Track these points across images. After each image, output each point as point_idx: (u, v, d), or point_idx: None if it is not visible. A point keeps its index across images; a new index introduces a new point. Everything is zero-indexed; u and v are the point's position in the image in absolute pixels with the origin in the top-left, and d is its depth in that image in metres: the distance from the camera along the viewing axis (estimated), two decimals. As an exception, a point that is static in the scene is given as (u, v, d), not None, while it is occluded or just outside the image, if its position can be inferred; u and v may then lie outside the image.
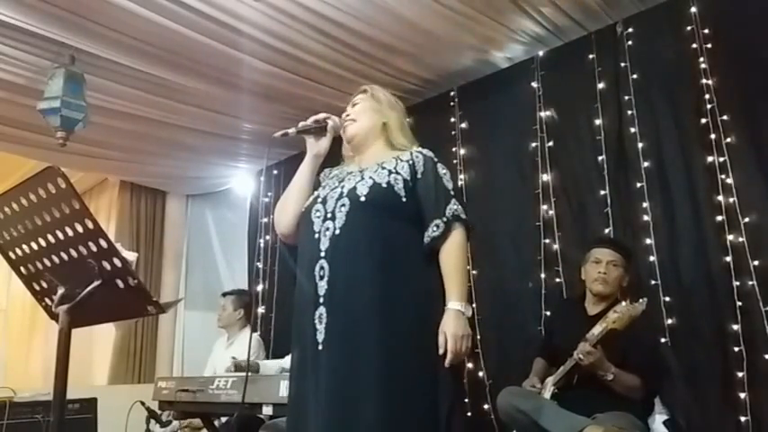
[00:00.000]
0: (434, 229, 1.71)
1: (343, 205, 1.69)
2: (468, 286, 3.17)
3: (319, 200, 1.77)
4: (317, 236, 1.70)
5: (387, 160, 1.79)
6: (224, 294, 3.99)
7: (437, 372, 1.63)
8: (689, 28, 2.72)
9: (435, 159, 1.82)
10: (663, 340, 2.61)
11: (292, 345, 1.76)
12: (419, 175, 1.77)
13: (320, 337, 1.63)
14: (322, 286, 1.65)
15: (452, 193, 1.76)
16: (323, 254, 1.67)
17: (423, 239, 1.71)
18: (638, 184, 2.80)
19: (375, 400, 1.55)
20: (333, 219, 1.69)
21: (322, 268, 1.66)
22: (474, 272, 3.37)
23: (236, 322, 3.95)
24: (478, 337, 3.29)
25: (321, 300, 1.65)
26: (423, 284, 1.69)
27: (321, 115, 1.90)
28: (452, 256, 1.71)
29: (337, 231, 1.67)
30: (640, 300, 2.32)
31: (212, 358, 4.02)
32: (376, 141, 1.89)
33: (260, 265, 4.66)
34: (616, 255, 2.59)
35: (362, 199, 1.68)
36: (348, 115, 1.91)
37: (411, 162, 1.78)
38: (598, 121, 3.00)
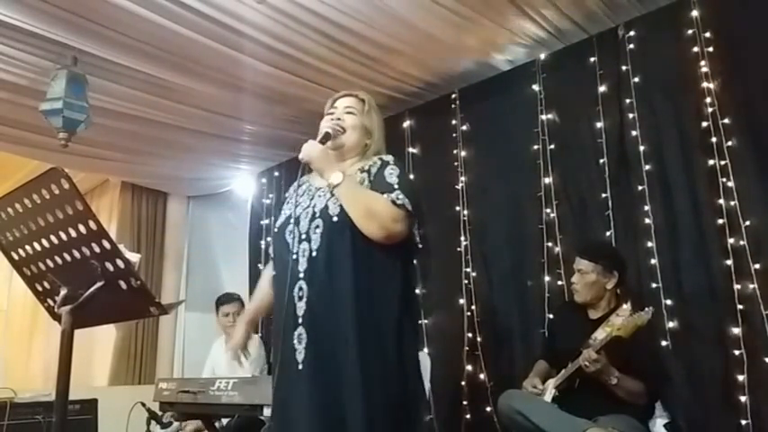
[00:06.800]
0: None
1: (318, 227, 1.72)
2: (468, 287, 3.17)
3: (292, 219, 1.79)
4: (294, 256, 1.73)
5: (352, 173, 1.80)
6: (226, 302, 3.93)
7: (415, 387, 1.70)
8: (690, 31, 2.73)
9: (388, 161, 1.81)
10: (664, 343, 2.61)
11: (272, 361, 1.79)
12: (372, 178, 1.77)
13: (299, 356, 1.66)
14: (301, 307, 1.68)
15: (396, 186, 1.72)
16: (301, 275, 1.71)
17: (396, 252, 1.71)
18: (640, 187, 2.80)
19: (362, 424, 1.56)
20: (308, 240, 1.72)
21: (301, 289, 1.69)
22: (474, 274, 3.38)
23: None
24: (479, 339, 3.29)
25: (300, 320, 1.68)
26: (396, 301, 1.70)
27: (326, 128, 1.87)
28: (373, 194, 1.70)
29: (314, 253, 1.70)
30: (646, 309, 2.31)
31: (211, 360, 4.02)
32: (353, 157, 1.89)
33: (261, 266, 4.67)
34: (583, 262, 2.60)
35: (335, 219, 1.70)
36: (339, 119, 1.90)
37: (368, 170, 1.80)
38: (599, 124, 3.01)
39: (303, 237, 1.73)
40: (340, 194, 1.70)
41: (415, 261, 1.78)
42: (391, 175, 1.75)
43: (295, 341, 1.67)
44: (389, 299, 1.69)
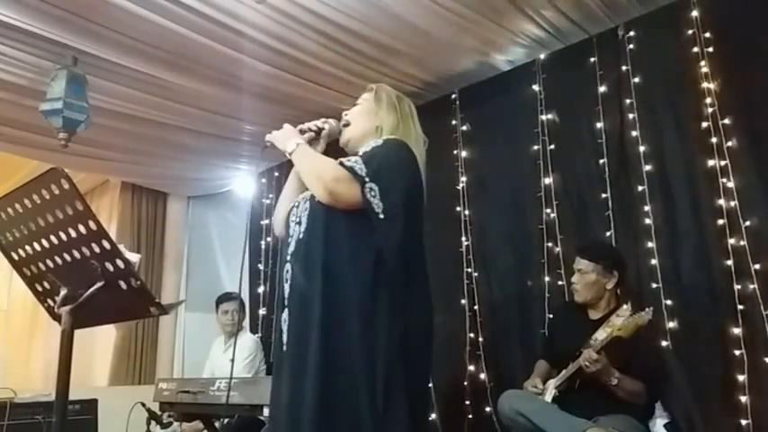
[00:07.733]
0: None
1: (307, 209, 1.70)
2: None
3: (295, 204, 1.78)
4: (289, 240, 1.72)
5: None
6: (225, 300, 3.94)
7: (375, 377, 1.51)
8: (690, 31, 2.73)
9: (381, 137, 1.74)
10: (664, 343, 2.61)
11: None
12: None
13: (284, 338, 1.63)
14: (287, 289, 1.67)
15: (360, 154, 1.66)
16: (289, 257, 1.70)
17: (365, 228, 1.59)
18: (640, 188, 2.80)
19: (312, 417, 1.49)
20: (300, 223, 1.71)
21: (287, 271, 1.68)
22: (475, 274, 3.38)
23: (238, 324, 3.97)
24: (480, 339, 3.29)
25: (285, 302, 1.66)
26: (366, 286, 1.56)
27: (318, 122, 1.87)
28: (324, 158, 1.70)
29: (301, 235, 1.68)
30: (646, 309, 2.31)
31: (210, 361, 4.02)
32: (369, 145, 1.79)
33: (261, 266, 4.67)
34: (582, 262, 2.60)
35: (317, 198, 1.66)
36: (346, 115, 1.90)
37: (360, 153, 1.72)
38: (599, 125, 3.01)
39: (298, 220, 1.72)
40: (295, 162, 1.73)
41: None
42: (368, 146, 1.69)
43: (282, 323, 1.65)
44: (356, 281, 1.56)
